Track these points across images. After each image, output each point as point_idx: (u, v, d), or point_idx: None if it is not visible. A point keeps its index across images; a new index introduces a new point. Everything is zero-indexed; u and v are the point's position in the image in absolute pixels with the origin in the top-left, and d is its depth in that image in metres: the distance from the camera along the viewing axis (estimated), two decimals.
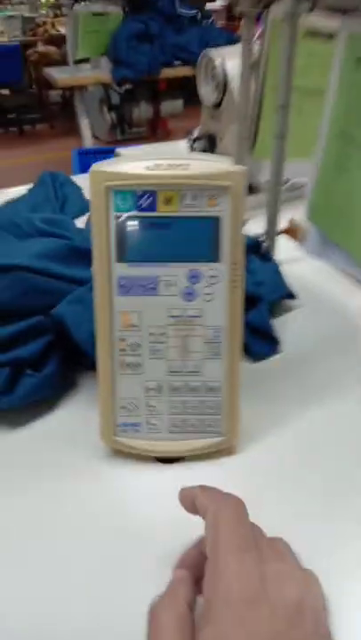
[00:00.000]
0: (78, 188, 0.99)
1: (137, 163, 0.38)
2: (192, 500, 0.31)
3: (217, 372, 0.42)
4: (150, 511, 0.39)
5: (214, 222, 0.39)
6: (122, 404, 0.43)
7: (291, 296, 0.60)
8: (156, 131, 3.48)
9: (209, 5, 3.85)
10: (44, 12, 6.09)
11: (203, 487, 0.31)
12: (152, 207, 0.39)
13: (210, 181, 0.38)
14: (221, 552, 0.26)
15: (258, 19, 0.76)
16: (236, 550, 0.26)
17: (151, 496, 0.41)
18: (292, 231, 0.75)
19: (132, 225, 0.39)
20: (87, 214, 0.90)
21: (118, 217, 0.39)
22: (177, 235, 0.39)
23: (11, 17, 5.28)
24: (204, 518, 0.29)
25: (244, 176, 0.38)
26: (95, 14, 2.57)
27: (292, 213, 0.77)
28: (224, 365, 0.41)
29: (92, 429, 0.44)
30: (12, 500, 0.41)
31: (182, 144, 1.32)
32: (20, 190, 0.98)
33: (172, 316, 0.41)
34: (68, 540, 0.38)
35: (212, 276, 0.40)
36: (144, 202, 0.39)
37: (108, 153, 1.80)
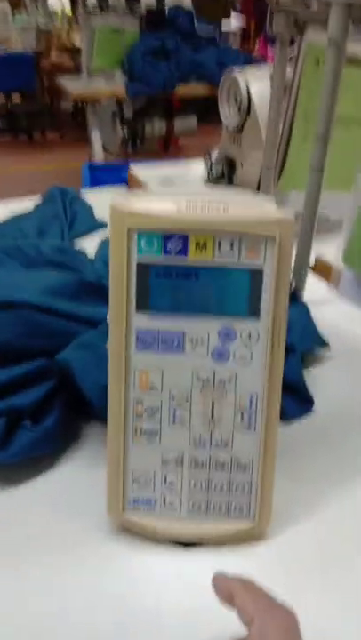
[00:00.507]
0: (88, 207, 0.94)
1: (166, 202, 0.33)
2: (229, 593, 0.28)
3: (249, 446, 0.36)
4: (159, 605, 0.33)
5: (255, 275, 0.33)
6: (134, 476, 0.37)
7: (324, 345, 0.55)
8: (169, 147, 3.45)
9: (224, 27, 3.85)
10: (58, 23, 6.12)
11: (247, 585, 0.29)
12: (182, 252, 0.33)
13: (253, 230, 0.32)
14: (257, 615, 0.25)
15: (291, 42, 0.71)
16: (265, 611, 0.25)
17: (162, 586, 0.35)
18: (320, 269, 0.69)
19: (158, 272, 0.34)
20: (96, 235, 0.85)
21: (141, 263, 0.33)
22: (209, 286, 0.34)
23: (25, 27, 5.30)
24: (245, 625, 0.27)
25: (292, 225, 0.32)
26: (112, 30, 2.55)
27: (318, 249, 0.72)
28: (258, 439, 0.36)
29: (98, 494, 0.38)
30: None
31: (196, 164, 1.28)
32: (27, 205, 0.92)
33: (199, 379, 0.35)
34: (55, 631, 0.32)
35: (249, 336, 0.34)
36: (173, 246, 0.33)
37: (120, 170, 1.76)
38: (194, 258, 0.33)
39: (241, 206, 0.33)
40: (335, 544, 0.38)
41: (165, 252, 0.33)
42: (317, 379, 0.52)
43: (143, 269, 0.34)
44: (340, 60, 0.50)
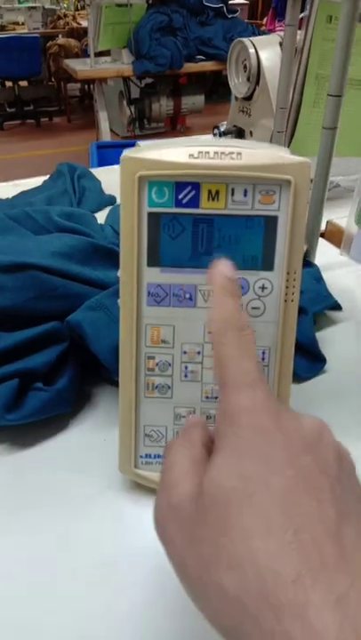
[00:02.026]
0: (97, 182, 0.93)
1: (178, 149, 0.32)
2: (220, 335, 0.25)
3: None
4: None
5: (270, 223, 0.32)
6: (146, 431, 0.37)
7: (336, 307, 0.54)
8: (176, 126, 3.41)
9: (232, 0, 3.78)
10: (65, 4, 6.05)
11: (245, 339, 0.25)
12: (194, 202, 0.32)
13: (268, 174, 0.31)
14: (230, 388, 0.23)
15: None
16: (246, 385, 0.23)
17: None
18: (331, 234, 0.68)
19: (169, 223, 0.33)
20: (106, 209, 0.85)
21: (152, 213, 0.33)
22: (222, 236, 0.33)
23: (32, 8, 5.24)
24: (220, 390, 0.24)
25: (308, 169, 0.32)
26: (118, 5, 2.51)
27: (328, 215, 0.71)
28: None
29: (110, 454, 0.38)
30: (11, 530, 0.35)
31: (205, 138, 1.26)
32: (35, 181, 0.92)
33: (212, 333, 0.35)
34: (69, 584, 0.32)
35: (262, 287, 0.34)
36: (185, 196, 0.32)
37: (127, 146, 1.74)
38: (206, 207, 0.33)
39: (254, 153, 0.32)
40: None
41: (177, 202, 0.33)
42: (329, 340, 0.52)
43: (154, 220, 0.33)
44: (355, 9, 0.48)
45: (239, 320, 0.25)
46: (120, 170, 0.33)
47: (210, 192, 0.32)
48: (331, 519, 0.19)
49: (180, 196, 0.32)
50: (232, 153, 0.32)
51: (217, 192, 0.32)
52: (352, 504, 0.20)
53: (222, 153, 0.32)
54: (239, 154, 0.31)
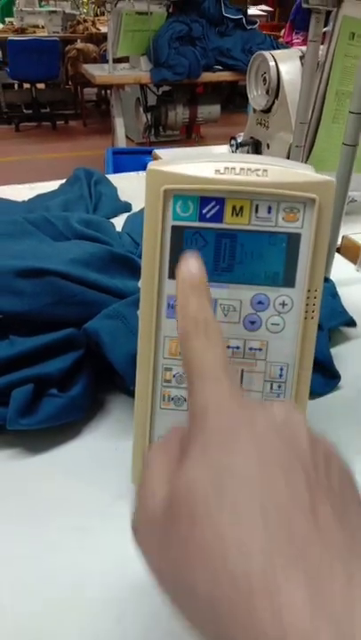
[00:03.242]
0: (114, 188, 0.94)
1: (204, 164, 0.32)
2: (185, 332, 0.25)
3: None
4: None
5: (292, 240, 0.32)
6: None
7: (351, 323, 0.54)
8: (191, 135, 3.43)
9: (251, 11, 3.81)
10: (85, 10, 6.11)
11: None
12: (218, 217, 0.33)
13: (293, 192, 0.31)
14: (196, 385, 0.22)
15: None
16: (212, 379, 0.22)
17: None
18: (347, 250, 0.68)
19: (192, 237, 0.33)
20: (121, 216, 0.85)
21: (176, 226, 0.33)
22: (244, 252, 0.33)
23: (52, 12, 5.29)
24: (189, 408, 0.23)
25: (333, 188, 0.32)
26: (139, 13, 2.53)
27: (344, 230, 0.71)
28: None
29: (121, 463, 0.38)
30: (21, 538, 0.35)
31: (221, 149, 1.26)
32: (52, 185, 0.93)
33: (230, 347, 0.35)
34: (81, 594, 0.32)
35: (283, 304, 0.34)
36: (209, 210, 0.33)
37: (144, 154, 1.75)
38: (230, 223, 0.33)
39: (280, 170, 0.32)
40: None
41: (201, 216, 0.33)
42: (344, 356, 0.51)
43: (178, 233, 0.33)
44: None
45: (205, 316, 0.24)
46: (146, 182, 0.33)
47: (234, 208, 0.32)
48: (303, 499, 0.18)
49: (205, 211, 0.33)
50: (258, 170, 0.32)
51: (241, 208, 0.32)
52: (331, 487, 0.19)
53: (248, 169, 0.32)
54: (265, 171, 0.32)
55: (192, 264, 0.26)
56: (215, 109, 3.08)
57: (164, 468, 0.22)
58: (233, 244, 0.33)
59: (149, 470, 0.23)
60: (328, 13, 0.68)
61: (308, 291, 0.33)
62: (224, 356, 0.24)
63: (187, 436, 0.22)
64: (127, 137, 3.03)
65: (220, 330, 0.24)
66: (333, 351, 0.51)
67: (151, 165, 0.33)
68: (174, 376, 0.36)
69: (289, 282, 0.33)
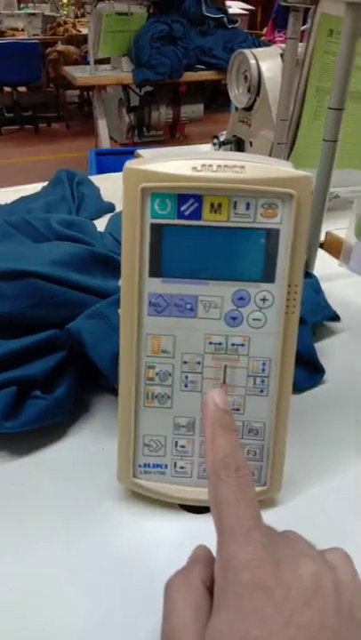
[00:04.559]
0: (96, 188, 0.93)
1: (181, 161, 0.32)
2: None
3: (261, 411, 0.35)
4: (170, 570, 0.33)
5: (271, 236, 0.32)
6: (145, 441, 0.37)
7: (334, 318, 0.54)
8: (175, 134, 3.43)
9: (233, 10, 3.82)
10: (65, 12, 6.09)
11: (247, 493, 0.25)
12: (196, 215, 0.33)
13: (270, 188, 0.31)
14: (228, 537, 0.23)
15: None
16: (243, 535, 0.23)
17: (172, 551, 0.34)
18: (330, 245, 0.69)
19: (171, 235, 0.33)
20: (104, 217, 0.85)
21: (155, 224, 0.33)
22: (224, 248, 0.33)
23: (32, 15, 5.27)
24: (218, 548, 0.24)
25: (310, 183, 0.32)
26: (119, 14, 2.52)
27: (327, 226, 0.71)
28: (270, 404, 0.35)
29: (108, 464, 0.38)
30: (7, 540, 0.35)
31: (204, 148, 1.27)
32: (34, 187, 0.92)
33: (212, 343, 0.35)
34: (68, 594, 0.32)
35: (263, 299, 0.34)
36: (187, 208, 0.33)
37: (126, 154, 1.75)
38: (208, 220, 0.33)
39: (258, 166, 0.32)
40: (347, 512, 0.38)
41: (179, 213, 0.33)
42: (329, 351, 0.52)
43: (156, 231, 0.33)
44: (357, 22, 0.49)
45: (235, 459, 0.25)
46: (123, 181, 0.33)
47: (212, 204, 0.32)
48: None
49: (183, 208, 0.33)
50: (235, 166, 0.32)
51: (219, 205, 0.32)
52: None
53: (225, 166, 0.32)
54: (242, 167, 0.32)
55: (218, 398, 0.27)
56: (198, 108, 3.08)
57: (189, 611, 0.23)
58: (212, 241, 0.33)
59: (174, 609, 0.24)
60: (307, 11, 0.69)
61: (289, 286, 0.33)
62: (255, 505, 0.24)
63: (217, 590, 0.23)
64: (111, 138, 3.02)
65: (250, 473, 0.25)
66: (318, 346, 0.52)
67: (128, 164, 0.33)
68: (157, 374, 0.36)
69: (269, 277, 0.33)
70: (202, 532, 0.33)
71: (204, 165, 0.32)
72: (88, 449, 0.42)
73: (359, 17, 0.49)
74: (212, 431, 0.26)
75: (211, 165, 0.32)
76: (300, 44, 0.71)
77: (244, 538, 0.23)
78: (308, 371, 0.48)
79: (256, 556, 0.22)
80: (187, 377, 0.35)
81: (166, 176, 0.32)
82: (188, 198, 0.32)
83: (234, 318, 0.34)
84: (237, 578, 0.22)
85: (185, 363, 0.35)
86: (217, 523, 0.24)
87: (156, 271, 0.34)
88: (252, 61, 0.91)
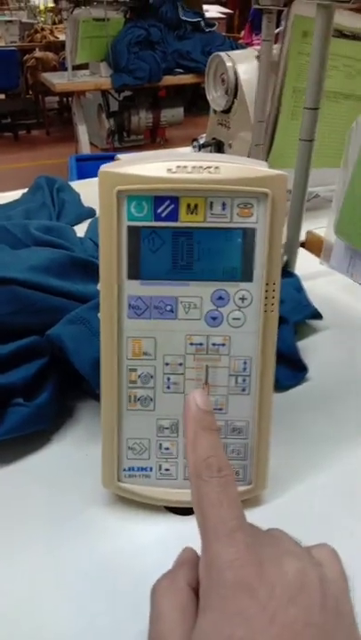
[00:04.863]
0: (76, 194, 0.93)
1: (156, 163, 0.32)
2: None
3: (244, 410, 0.35)
4: (157, 573, 0.33)
5: (248, 235, 0.33)
6: (129, 444, 0.36)
7: (316, 316, 0.55)
8: (156, 139, 3.43)
9: (209, 14, 3.84)
10: (42, 18, 6.07)
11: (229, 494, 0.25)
12: (173, 216, 0.33)
13: (245, 187, 0.32)
14: (211, 538, 0.23)
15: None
16: (226, 535, 0.23)
17: (159, 555, 0.34)
18: (311, 244, 0.69)
19: (149, 237, 0.33)
20: (86, 222, 0.85)
21: (132, 227, 0.33)
22: (202, 249, 0.33)
23: (9, 22, 5.25)
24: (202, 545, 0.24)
25: (285, 182, 0.32)
26: (96, 20, 2.52)
27: (307, 225, 0.72)
28: (253, 403, 0.35)
29: (93, 469, 0.38)
30: None
31: (184, 151, 1.27)
32: (14, 195, 0.91)
33: (193, 344, 0.35)
34: (54, 601, 0.31)
35: (242, 298, 0.34)
36: (164, 209, 0.33)
37: (107, 159, 1.75)
38: (185, 221, 0.33)
39: (232, 166, 0.32)
40: (333, 508, 0.38)
41: (156, 215, 0.33)
42: (311, 348, 0.52)
43: (134, 234, 0.33)
44: (329, 24, 0.49)
45: (217, 459, 0.25)
46: (98, 184, 0.33)
47: (189, 205, 0.32)
48: None
49: (160, 210, 0.33)
50: (210, 167, 0.32)
51: (196, 205, 0.32)
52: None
53: (200, 167, 0.32)
54: (217, 168, 0.32)
55: (199, 398, 0.27)
56: (178, 112, 3.09)
57: (176, 614, 0.23)
58: (190, 242, 0.33)
59: (161, 613, 0.24)
60: (280, 13, 0.69)
61: (267, 284, 0.34)
62: (238, 505, 0.24)
63: (202, 591, 0.23)
64: (91, 143, 3.01)
65: (232, 473, 0.25)
66: (300, 344, 0.52)
67: (103, 167, 0.33)
68: (139, 376, 0.35)
69: (247, 276, 0.33)
70: (189, 533, 0.33)
71: (179, 167, 0.32)
72: (72, 455, 0.42)
73: (330, 18, 0.50)
74: (193, 432, 0.26)
75: (186, 167, 0.32)
76: (276, 46, 0.72)
77: (227, 538, 0.23)
78: (292, 369, 0.48)
79: (239, 555, 0.22)
80: (169, 378, 0.35)
81: (142, 178, 0.32)
82: (164, 200, 0.32)
83: (214, 318, 0.34)
84: (221, 578, 0.22)
85: (167, 364, 0.35)
86: (200, 524, 0.24)
87: (134, 273, 0.34)
88: (229, 64, 0.92)
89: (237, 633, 0.20)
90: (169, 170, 0.32)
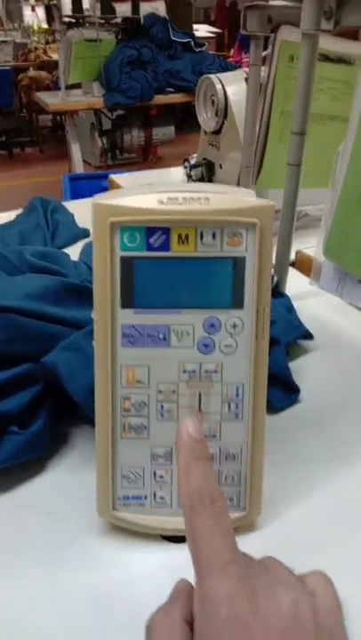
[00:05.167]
0: (70, 215, 0.94)
1: (147, 195, 0.33)
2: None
3: (237, 436, 0.36)
4: (153, 601, 0.33)
5: (238, 263, 0.33)
6: (123, 473, 0.37)
7: (307, 336, 0.55)
8: (148, 157, 3.46)
9: (199, 34, 3.90)
10: (35, 38, 6.15)
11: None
12: (165, 246, 0.33)
13: (234, 218, 0.32)
14: (205, 572, 0.23)
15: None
16: (220, 569, 0.23)
17: (155, 584, 0.34)
18: (301, 264, 0.70)
19: (141, 266, 0.34)
20: (80, 242, 0.85)
21: (125, 257, 0.33)
22: (193, 278, 0.34)
23: (3, 42, 5.30)
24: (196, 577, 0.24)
25: (272, 211, 0.33)
26: (88, 40, 2.56)
27: (297, 245, 0.72)
28: (246, 429, 0.36)
29: (88, 497, 0.38)
30: None
31: (176, 171, 1.28)
32: (8, 216, 0.92)
33: (186, 371, 0.35)
34: (50, 630, 0.31)
35: (234, 325, 0.34)
36: (156, 240, 0.33)
37: (100, 178, 1.76)
38: (176, 251, 0.33)
39: (221, 197, 0.33)
40: (328, 532, 0.38)
41: (148, 246, 0.33)
42: (303, 369, 0.52)
43: (127, 264, 0.34)
44: (313, 51, 0.51)
45: (209, 490, 0.25)
46: (92, 215, 0.33)
47: (180, 236, 0.33)
48: None
49: (152, 240, 0.33)
50: (200, 198, 0.33)
51: (187, 236, 0.33)
52: None
53: (191, 198, 0.33)
54: (207, 199, 0.33)
55: (191, 427, 0.27)
56: (170, 130, 3.12)
57: None
58: (181, 271, 0.34)
59: None
60: (267, 38, 0.71)
61: (257, 311, 0.34)
62: (231, 536, 0.24)
63: (196, 626, 0.23)
64: (85, 161, 3.04)
65: (225, 503, 0.25)
66: (292, 365, 0.52)
67: (97, 199, 0.34)
68: (133, 404, 0.36)
69: (238, 304, 0.34)
70: (184, 561, 0.33)
71: (170, 198, 0.33)
72: (67, 482, 0.42)
73: (315, 45, 0.51)
74: (185, 462, 0.26)
75: (177, 198, 0.33)
76: (263, 68, 0.73)
77: (220, 572, 0.23)
78: (284, 391, 0.49)
79: (233, 590, 0.22)
80: (162, 406, 0.36)
81: (134, 210, 0.33)
82: (155, 231, 0.33)
83: (206, 345, 0.35)
84: (215, 613, 0.22)
85: (160, 392, 0.35)
86: (193, 555, 0.24)
87: (127, 302, 0.34)
88: (218, 86, 0.93)
89: None
90: (160, 201, 0.33)
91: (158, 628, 0.25)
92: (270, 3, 0.65)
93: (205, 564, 0.23)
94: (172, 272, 0.34)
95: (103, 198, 0.34)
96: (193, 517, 0.25)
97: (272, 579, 0.24)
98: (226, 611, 0.22)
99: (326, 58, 0.75)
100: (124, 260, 0.34)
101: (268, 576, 0.24)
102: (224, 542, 0.24)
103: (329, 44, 0.72)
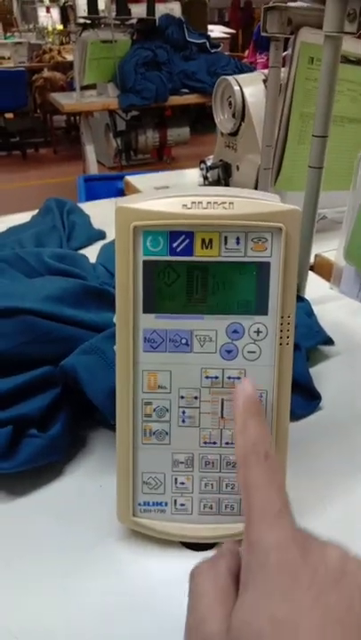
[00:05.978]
0: (86, 216, 0.94)
1: (171, 199, 0.33)
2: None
3: None
4: (172, 609, 0.33)
5: (262, 269, 0.33)
6: (144, 479, 0.36)
7: (328, 342, 0.54)
8: (162, 157, 3.47)
9: (214, 34, 3.90)
10: (50, 39, 6.19)
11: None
12: (188, 251, 0.33)
13: (259, 222, 0.32)
14: (256, 520, 0.23)
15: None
16: (273, 517, 0.23)
17: (175, 590, 0.34)
18: (320, 268, 0.69)
19: (164, 271, 0.33)
20: (95, 244, 0.85)
21: (147, 261, 0.33)
22: (216, 283, 0.33)
23: (18, 43, 5.35)
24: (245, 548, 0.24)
25: (299, 216, 0.32)
26: (103, 41, 2.57)
27: (317, 248, 0.72)
28: None
29: (107, 501, 0.37)
30: (6, 582, 0.34)
31: (191, 172, 1.28)
32: (22, 217, 0.92)
33: (208, 377, 0.35)
34: (69, 636, 0.31)
35: (257, 332, 0.34)
36: (179, 244, 0.33)
37: (115, 179, 1.76)
38: (200, 255, 0.33)
39: (246, 202, 0.32)
40: (348, 539, 0.37)
41: (171, 250, 0.33)
42: (323, 375, 0.52)
43: (149, 268, 0.33)
44: (336, 54, 0.50)
45: (264, 446, 0.26)
46: (115, 220, 0.33)
47: (203, 240, 0.33)
48: None
49: (175, 245, 0.33)
50: (224, 203, 0.32)
51: (210, 240, 0.33)
52: None
53: (215, 203, 0.32)
54: (231, 203, 0.32)
55: (247, 387, 0.28)
56: (184, 131, 3.12)
57: (215, 593, 0.24)
58: (205, 276, 0.33)
59: (200, 593, 0.24)
60: (287, 39, 0.70)
61: (282, 317, 0.34)
62: (284, 491, 0.25)
63: (245, 569, 0.23)
64: (99, 162, 3.04)
65: (277, 462, 0.26)
66: (313, 371, 0.52)
67: (120, 203, 0.33)
68: (154, 410, 0.35)
69: (262, 310, 0.34)
70: None
71: (194, 203, 0.32)
72: (86, 487, 0.42)
73: (338, 48, 0.50)
74: (242, 418, 0.27)
75: (201, 202, 0.32)
76: (283, 69, 0.73)
77: (273, 519, 0.23)
78: (305, 398, 0.48)
79: (285, 538, 0.22)
80: (184, 412, 0.35)
81: (158, 214, 0.32)
82: (179, 235, 0.33)
83: (229, 351, 0.34)
84: (265, 559, 0.22)
85: (182, 398, 0.35)
86: (246, 507, 0.24)
87: (149, 307, 0.34)
88: (236, 87, 0.93)
89: (279, 613, 0.20)
90: (184, 205, 0.32)
91: (204, 574, 0.25)
92: (289, 4, 0.65)
93: (258, 512, 0.23)
94: (194, 277, 0.33)
95: (126, 202, 0.33)
96: (248, 470, 0.25)
97: (322, 539, 0.24)
98: (276, 557, 0.22)
99: (346, 59, 0.74)
100: (146, 264, 0.33)
101: (318, 538, 0.24)
102: (278, 494, 0.24)
103: (349, 45, 0.71)
